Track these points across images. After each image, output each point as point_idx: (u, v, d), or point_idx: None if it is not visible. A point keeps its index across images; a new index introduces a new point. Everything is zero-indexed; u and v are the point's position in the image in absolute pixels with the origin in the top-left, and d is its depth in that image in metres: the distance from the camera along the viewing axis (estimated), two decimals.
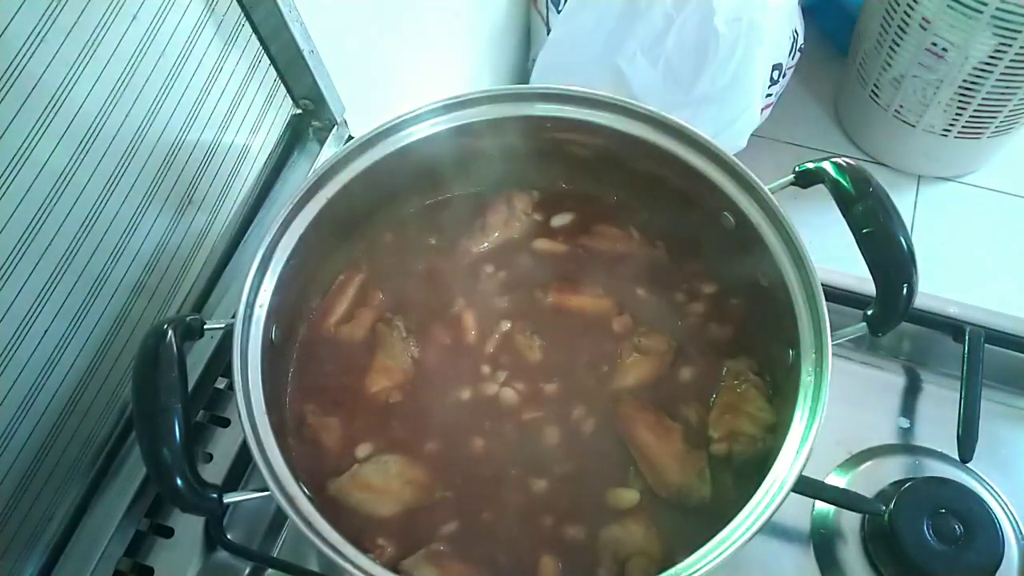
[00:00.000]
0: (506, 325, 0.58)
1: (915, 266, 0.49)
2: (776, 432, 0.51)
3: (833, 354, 0.47)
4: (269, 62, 0.67)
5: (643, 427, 0.53)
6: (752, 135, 1.43)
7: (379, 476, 0.52)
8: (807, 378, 0.48)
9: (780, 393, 0.53)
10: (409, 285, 0.61)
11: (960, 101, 1.43)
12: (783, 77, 1.46)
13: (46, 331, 0.51)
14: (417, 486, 0.52)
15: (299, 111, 0.73)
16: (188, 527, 0.57)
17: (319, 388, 0.57)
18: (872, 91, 1.55)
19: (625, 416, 0.54)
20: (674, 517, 0.51)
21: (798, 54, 1.48)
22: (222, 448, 0.60)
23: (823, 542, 0.57)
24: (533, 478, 0.53)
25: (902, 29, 1.40)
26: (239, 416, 0.46)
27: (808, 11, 1.52)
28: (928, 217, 1.58)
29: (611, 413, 0.55)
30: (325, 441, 0.54)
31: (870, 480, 0.58)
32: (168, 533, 0.57)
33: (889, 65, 1.47)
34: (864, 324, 0.51)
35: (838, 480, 0.59)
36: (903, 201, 1.59)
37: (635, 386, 0.56)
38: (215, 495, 0.46)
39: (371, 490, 0.52)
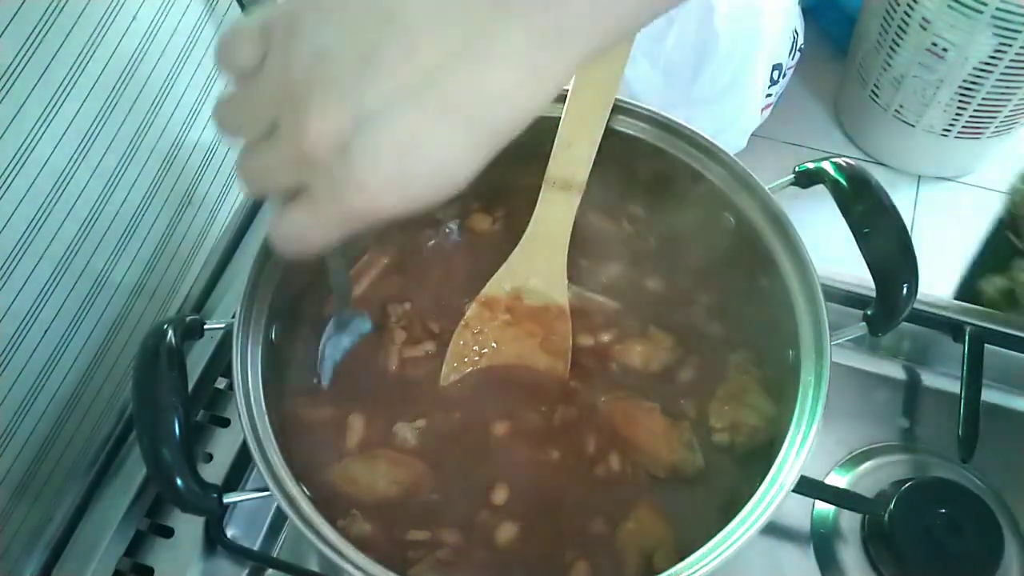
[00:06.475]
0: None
1: (915, 266, 0.49)
2: (777, 423, 0.51)
3: (833, 354, 0.47)
4: None
5: (624, 416, 0.54)
6: (752, 135, 1.43)
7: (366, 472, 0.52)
8: (807, 378, 0.47)
9: (780, 388, 0.53)
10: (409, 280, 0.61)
11: (960, 101, 1.43)
12: (783, 77, 1.46)
13: (46, 331, 0.51)
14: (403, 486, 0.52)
15: None
16: (188, 527, 0.56)
17: None
18: (872, 91, 1.55)
19: (607, 410, 0.55)
20: (676, 497, 0.51)
21: (798, 54, 1.48)
22: (222, 448, 0.60)
23: (823, 542, 0.57)
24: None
25: (902, 29, 1.40)
26: (239, 416, 0.46)
27: (808, 11, 1.52)
28: (928, 217, 1.58)
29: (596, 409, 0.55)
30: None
31: (870, 480, 0.58)
32: (168, 533, 0.57)
33: (889, 65, 1.47)
34: (864, 324, 0.51)
35: (838, 480, 0.59)
36: (903, 201, 1.59)
37: (619, 379, 0.56)
38: (215, 495, 0.46)
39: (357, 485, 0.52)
